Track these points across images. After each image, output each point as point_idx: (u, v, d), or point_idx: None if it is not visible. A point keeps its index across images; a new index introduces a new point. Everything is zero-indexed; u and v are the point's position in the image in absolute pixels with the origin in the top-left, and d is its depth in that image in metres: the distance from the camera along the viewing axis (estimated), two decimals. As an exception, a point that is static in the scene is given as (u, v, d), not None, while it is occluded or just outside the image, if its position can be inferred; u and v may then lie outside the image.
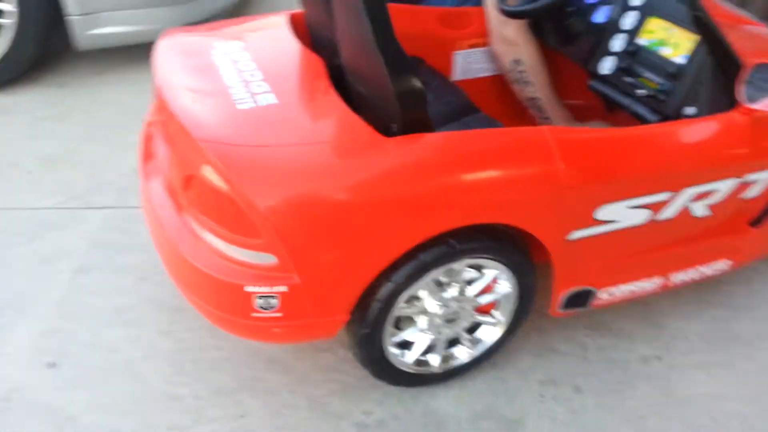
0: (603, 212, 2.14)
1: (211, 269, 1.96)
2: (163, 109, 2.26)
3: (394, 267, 1.97)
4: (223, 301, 2.00)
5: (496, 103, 3.08)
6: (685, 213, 2.31)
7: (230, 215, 1.92)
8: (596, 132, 2.20)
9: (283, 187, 1.87)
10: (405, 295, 2.05)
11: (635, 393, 2.41)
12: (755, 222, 2.56)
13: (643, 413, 2.33)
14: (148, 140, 2.50)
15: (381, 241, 1.93)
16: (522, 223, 2.07)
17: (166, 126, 2.25)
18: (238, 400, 2.30)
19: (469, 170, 1.99)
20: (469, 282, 2.19)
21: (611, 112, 2.91)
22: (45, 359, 2.41)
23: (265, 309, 1.94)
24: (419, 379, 2.31)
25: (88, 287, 2.72)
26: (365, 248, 1.93)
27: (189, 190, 2.04)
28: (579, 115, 3.07)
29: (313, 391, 2.34)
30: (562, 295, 2.29)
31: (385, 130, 1.96)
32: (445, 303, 2.16)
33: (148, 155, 2.45)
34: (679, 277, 2.50)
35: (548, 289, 2.28)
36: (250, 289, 1.91)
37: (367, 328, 2.06)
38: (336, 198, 1.88)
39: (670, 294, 2.77)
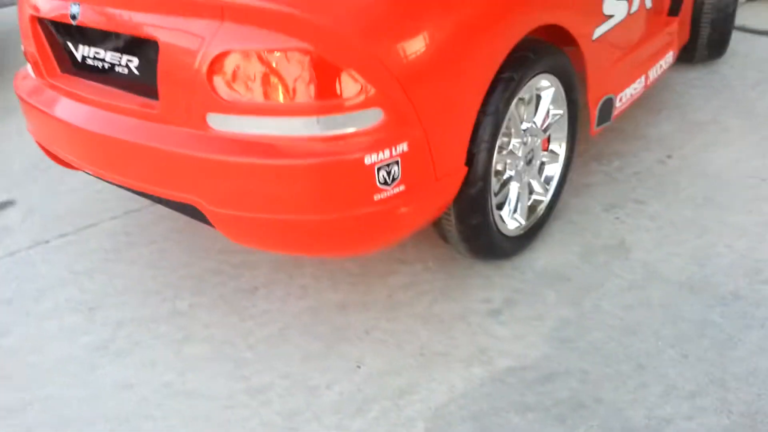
0: (605, 6, 2.21)
1: (319, 156, 1.51)
2: None
3: (486, 101, 1.76)
4: (340, 193, 1.55)
5: None
6: (642, 6, 2.48)
7: (318, 81, 1.50)
8: None
9: (386, 21, 1.56)
10: (501, 128, 1.81)
11: (679, 186, 2.38)
12: (672, 12, 2.83)
13: (695, 194, 2.32)
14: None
15: (480, 58, 1.72)
16: (567, 23, 2.02)
17: None
18: (341, 353, 1.79)
19: None
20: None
21: None
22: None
23: (387, 183, 1.54)
24: (517, 243, 2.04)
25: (26, 349, 1.95)
26: (469, 71, 1.69)
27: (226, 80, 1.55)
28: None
29: (413, 310, 1.91)
30: (596, 107, 2.25)
31: None
32: (522, 137, 1.96)
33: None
34: (651, 73, 2.60)
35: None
36: (370, 159, 1.51)
37: (480, 181, 1.78)
38: (434, 26, 1.61)
39: (631, 111, 2.83)
